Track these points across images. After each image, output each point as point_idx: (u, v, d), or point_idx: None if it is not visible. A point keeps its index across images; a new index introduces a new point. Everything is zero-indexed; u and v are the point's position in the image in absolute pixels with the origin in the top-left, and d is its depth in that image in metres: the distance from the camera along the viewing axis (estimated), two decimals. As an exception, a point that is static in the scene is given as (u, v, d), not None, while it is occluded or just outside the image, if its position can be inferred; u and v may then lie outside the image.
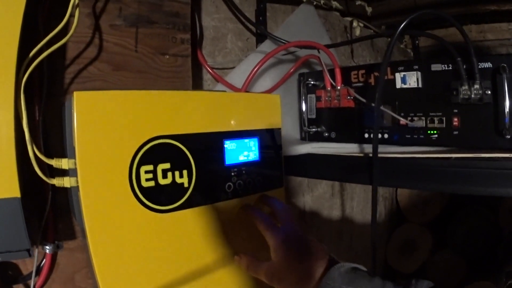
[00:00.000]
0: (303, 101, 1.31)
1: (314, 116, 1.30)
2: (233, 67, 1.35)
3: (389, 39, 1.00)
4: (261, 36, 1.45)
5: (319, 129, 1.28)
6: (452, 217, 2.50)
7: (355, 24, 2.10)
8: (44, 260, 0.86)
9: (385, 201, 2.50)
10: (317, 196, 1.86)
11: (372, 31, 2.25)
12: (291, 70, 1.32)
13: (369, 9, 2.13)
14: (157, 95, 0.75)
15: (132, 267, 0.72)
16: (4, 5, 0.68)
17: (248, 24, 1.44)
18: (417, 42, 2.46)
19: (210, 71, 1.26)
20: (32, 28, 0.79)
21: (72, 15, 0.81)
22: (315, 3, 1.76)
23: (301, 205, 1.75)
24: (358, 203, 2.14)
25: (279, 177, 0.99)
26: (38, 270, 0.86)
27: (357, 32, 2.11)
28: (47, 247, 0.84)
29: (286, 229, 0.86)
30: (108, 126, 0.69)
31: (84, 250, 0.91)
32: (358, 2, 2.07)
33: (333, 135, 1.26)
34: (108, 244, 0.70)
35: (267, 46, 1.37)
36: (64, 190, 0.80)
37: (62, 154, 0.76)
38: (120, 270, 0.71)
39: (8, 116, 0.68)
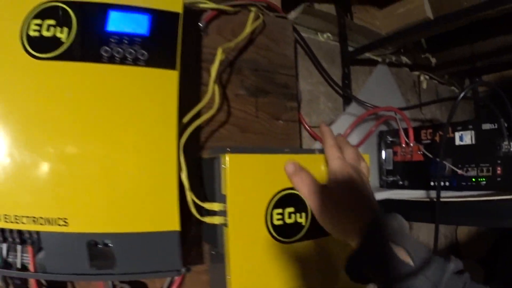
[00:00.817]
0: (383, 155, 1.55)
1: (391, 168, 1.54)
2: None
3: (451, 87, 1.24)
4: (347, 98, 1.68)
5: (395, 178, 1.52)
6: (502, 252, 2.60)
7: (422, 78, 2.31)
8: (174, 280, 1.04)
9: (446, 239, 2.62)
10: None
11: (437, 81, 2.45)
12: (373, 129, 1.56)
13: (433, 60, 2.33)
14: (285, 157, 0.97)
15: (258, 282, 0.94)
16: (162, 81, 0.88)
17: (335, 87, 1.67)
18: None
19: (310, 130, 1.50)
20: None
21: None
22: (387, 60, 1.99)
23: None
24: (422, 240, 2.29)
25: None
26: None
27: (424, 85, 2.31)
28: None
29: (349, 159, 0.94)
30: (250, 180, 0.92)
31: (208, 273, 1.12)
32: (423, 55, 2.28)
33: (406, 183, 1.49)
34: (246, 267, 0.92)
35: (353, 108, 1.62)
36: (199, 224, 1.04)
37: (199, 196, 0.97)
38: (250, 284, 0.93)
39: (172, 169, 0.87)
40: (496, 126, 1.24)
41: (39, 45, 0.81)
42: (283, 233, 0.97)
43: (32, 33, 0.82)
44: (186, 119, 0.97)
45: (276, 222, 0.95)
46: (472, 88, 1.24)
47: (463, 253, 2.67)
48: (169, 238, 0.87)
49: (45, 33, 0.82)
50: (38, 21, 0.82)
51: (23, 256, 0.86)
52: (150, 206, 0.85)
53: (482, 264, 2.61)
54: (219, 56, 1.05)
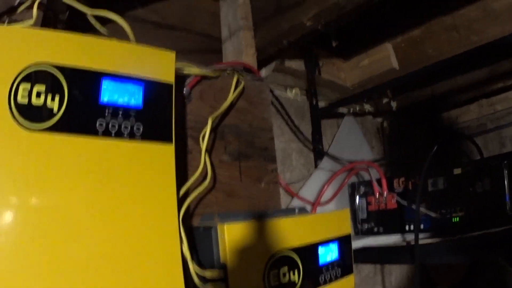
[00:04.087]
0: (357, 205, 1.63)
1: (365, 216, 1.62)
2: (298, 181, 1.66)
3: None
4: (319, 153, 1.76)
5: (369, 226, 1.60)
6: (474, 277, 2.65)
7: (385, 124, 2.41)
8: None
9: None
10: (364, 276, 2.12)
11: (399, 125, 2.54)
12: (345, 181, 1.65)
13: (394, 104, 2.43)
14: (275, 222, 1.04)
15: None
16: (159, 155, 0.91)
17: (306, 143, 1.75)
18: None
19: (286, 188, 1.57)
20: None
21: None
22: (352, 110, 2.08)
23: (352, 285, 1.98)
24: (395, 277, 2.35)
25: (350, 266, 1.25)
26: None
27: (387, 130, 2.42)
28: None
29: None
30: (247, 247, 0.97)
31: None
32: (384, 100, 2.38)
33: (381, 229, 1.59)
34: None
35: (326, 163, 1.72)
36: None
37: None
38: None
39: (175, 242, 0.90)
40: (465, 170, 1.37)
41: (29, 114, 0.79)
42: (281, 293, 1.02)
43: (20, 100, 0.78)
44: (182, 191, 1.01)
45: (273, 283, 1.00)
46: (441, 144, 1.33)
47: (436, 281, 2.71)
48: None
49: (35, 101, 0.80)
50: (27, 86, 0.79)
51: None
52: (156, 281, 0.87)
53: (456, 291, 2.67)
54: (209, 125, 1.11)
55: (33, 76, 0.80)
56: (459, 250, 1.28)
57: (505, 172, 1.27)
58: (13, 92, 0.78)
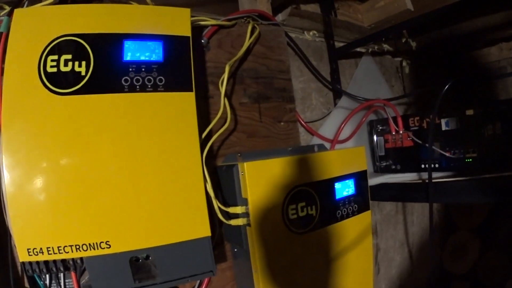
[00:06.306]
0: (375, 143, 1.68)
1: (383, 154, 1.66)
2: (319, 119, 1.71)
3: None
4: (337, 92, 1.80)
5: (387, 163, 1.64)
6: (496, 221, 2.71)
7: (404, 63, 2.42)
8: (203, 279, 1.17)
9: (439, 213, 2.75)
10: (385, 214, 2.19)
11: (418, 65, 2.55)
12: (363, 120, 1.69)
13: (413, 44, 2.44)
14: (293, 159, 1.09)
15: (281, 272, 1.07)
16: (181, 103, 0.98)
17: (325, 82, 1.78)
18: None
19: (306, 126, 1.62)
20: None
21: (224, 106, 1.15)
22: (370, 50, 2.10)
23: (373, 222, 2.07)
24: (417, 217, 2.44)
25: (367, 203, 1.29)
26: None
27: (407, 70, 2.43)
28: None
29: None
30: (266, 183, 1.03)
31: (232, 269, 1.24)
32: (404, 39, 2.38)
33: (398, 167, 1.62)
34: (269, 261, 1.04)
35: (344, 101, 1.75)
36: (220, 226, 1.16)
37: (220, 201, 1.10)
38: (275, 275, 1.05)
39: (199, 182, 0.98)
40: (477, 112, 1.38)
41: (59, 81, 0.89)
42: (298, 225, 1.09)
43: (50, 70, 0.88)
44: (204, 134, 1.09)
45: (291, 217, 1.07)
46: (454, 82, 1.33)
47: (458, 224, 2.80)
48: (202, 244, 0.99)
49: (64, 68, 0.90)
50: (55, 57, 0.89)
51: (66, 282, 0.98)
52: (183, 218, 0.96)
53: (477, 234, 2.73)
54: (227, 71, 1.16)
55: (59, 48, 0.90)
56: (472, 191, 1.30)
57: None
58: (42, 64, 0.88)
